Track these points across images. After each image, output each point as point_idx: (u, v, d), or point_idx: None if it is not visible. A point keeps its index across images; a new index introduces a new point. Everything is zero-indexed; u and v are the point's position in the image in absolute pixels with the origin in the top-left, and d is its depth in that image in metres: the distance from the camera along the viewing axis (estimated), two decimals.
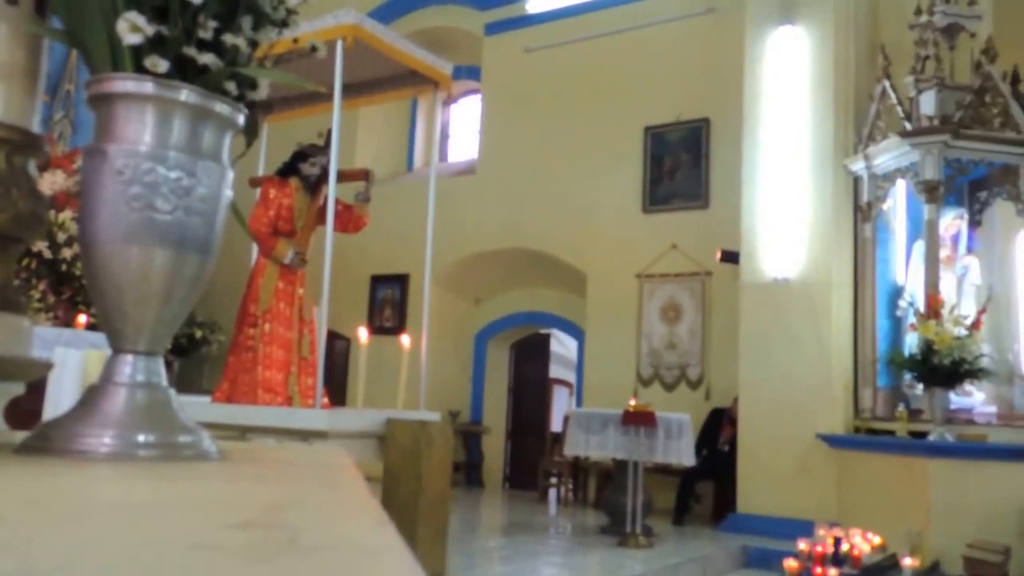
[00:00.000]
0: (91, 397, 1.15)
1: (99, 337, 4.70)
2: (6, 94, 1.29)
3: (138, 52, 1.16)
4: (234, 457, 1.24)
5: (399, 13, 12.43)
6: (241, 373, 4.91)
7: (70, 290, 8.48)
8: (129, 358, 1.18)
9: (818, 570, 5.41)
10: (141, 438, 1.10)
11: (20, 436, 1.16)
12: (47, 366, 1.28)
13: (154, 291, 1.17)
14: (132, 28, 1.13)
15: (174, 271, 1.17)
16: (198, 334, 11.41)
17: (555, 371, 13.06)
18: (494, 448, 12.16)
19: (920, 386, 7.42)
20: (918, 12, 7.96)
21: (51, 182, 8.33)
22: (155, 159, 1.15)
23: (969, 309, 7.59)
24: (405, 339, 5.05)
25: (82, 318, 6.81)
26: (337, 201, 5.10)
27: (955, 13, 7.87)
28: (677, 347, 10.13)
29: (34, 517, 0.70)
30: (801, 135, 8.56)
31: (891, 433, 7.52)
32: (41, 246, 8.01)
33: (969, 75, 7.79)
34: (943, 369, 6.93)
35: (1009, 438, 7.08)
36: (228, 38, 1.21)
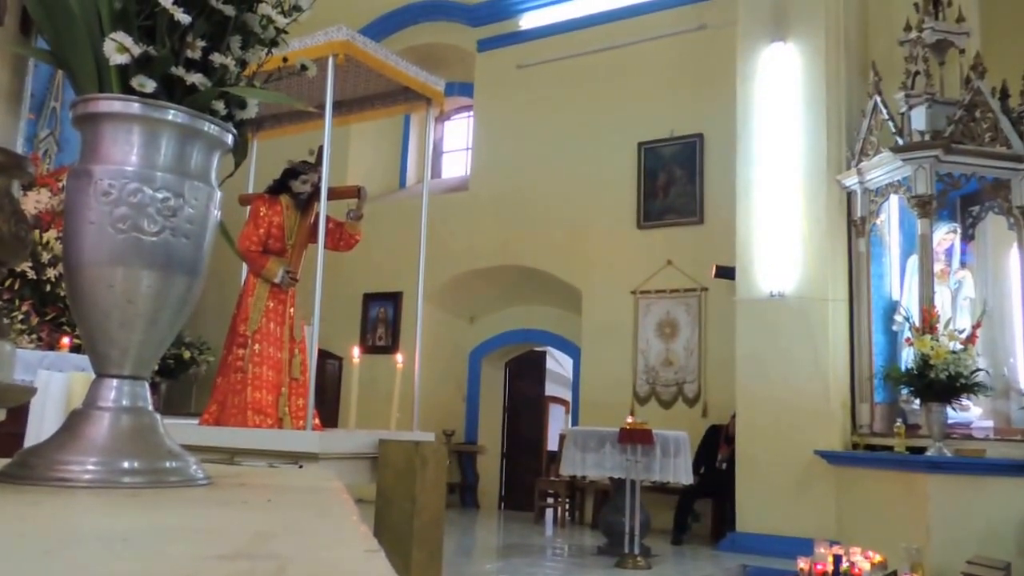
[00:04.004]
0: (74, 422, 1.13)
1: (83, 359, 4.66)
2: None
3: (125, 72, 1.14)
4: (222, 482, 1.22)
5: (391, 30, 12.49)
6: (230, 395, 4.86)
7: (54, 311, 8.41)
8: (114, 382, 1.16)
9: None
10: (125, 464, 1.08)
11: (0, 463, 1.13)
12: (29, 391, 1.26)
13: (140, 314, 1.15)
14: (119, 48, 1.12)
15: (161, 293, 1.15)
16: (186, 355, 11.35)
17: (551, 389, 13.04)
18: (489, 468, 12.11)
19: (917, 401, 7.42)
20: (907, 28, 8.04)
21: (36, 201, 8.29)
22: (142, 180, 1.13)
23: (964, 323, 7.61)
24: (398, 358, 5.02)
25: (66, 340, 6.74)
26: (329, 219, 5.08)
27: (944, 30, 7.96)
28: (674, 364, 10.12)
29: (13, 549, 0.68)
30: (794, 150, 8.60)
31: (889, 449, 7.51)
32: (25, 266, 7.94)
33: (959, 90, 7.85)
34: (939, 384, 6.93)
35: (1007, 453, 7.07)
36: (216, 58, 1.20)
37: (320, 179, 5.04)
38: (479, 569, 7.53)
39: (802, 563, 5.60)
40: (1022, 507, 6.61)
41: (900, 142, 7.69)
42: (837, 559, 5.52)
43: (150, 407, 1.18)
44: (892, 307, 8.14)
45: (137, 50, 1.12)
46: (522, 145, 11.40)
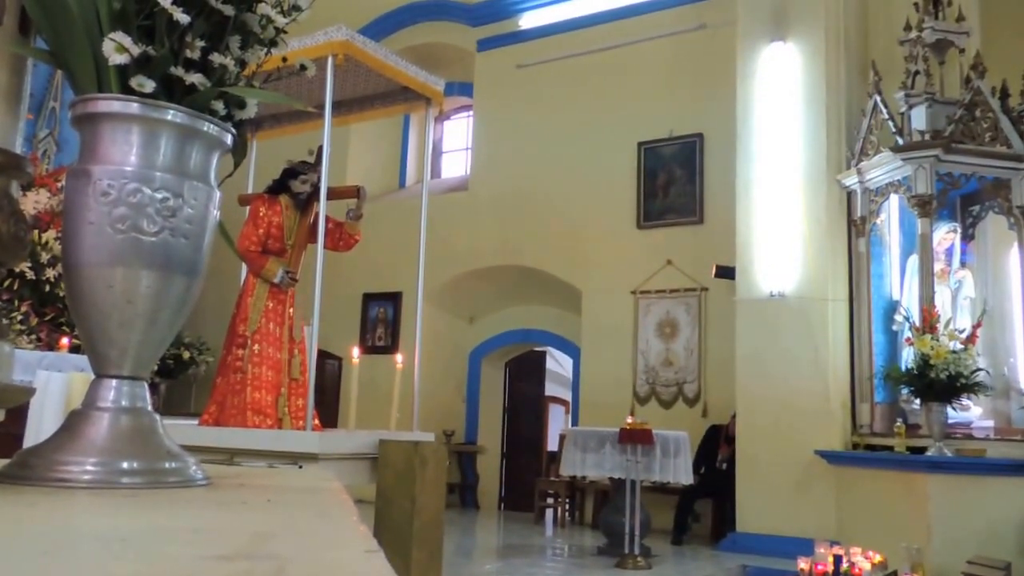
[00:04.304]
0: (73, 423, 1.13)
1: (83, 359, 4.65)
2: None
3: (124, 72, 1.14)
4: (221, 483, 1.21)
5: (390, 29, 12.48)
6: (230, 395, 4.85)
7: (53, 311, 8.39)
8: (113, 383, 1.15)
9: None
10: (125, 465, 1.08)
11: None
12: (28, 391, 1.26)
13: (139, 314, 1.15)
14: (118, 48, 1.12)
15: (160, 294, 1.15)
16: (186, 355, 11.34)
17: (550, 389, 13.03)
18: (489, 468, 12.09)
19: (917, 401, 7.41)
20: (907, 28, 8.03)
21: (35, 201, 8.28)
22: (141, 180, 1.13)
23: (964, 323, 7.60)
24: (398, 358, 5.02)
25: (65, 340, 6.73)
26: (328, 219, 5.07)
27: (944, 29, 7.95)
28: (674, 364, 10.11)
29: (11, 550, 0.68)
30: (794, 150, 8.59)
31: (889, 449, 7.50)
32: (24, 266, 7.92)
33: (959, 90, 7.83)
34: (940, 383, 6.92)
35: (1007, 452, 7.06)
36: (216, 58, 1.20)
37: (319, 179, 5.04)
38: (479, 569, 7.52)
39: (802, 563, 5.60)
40: (1022, 507, 6.60)
41: (900, 142, 7.68)
42: (837, 559, 5.51)
43: (149, 407, 1.18)
44: (892, 307, 8.14)
45: (136, 50, 1.12)
46: (522, 145, 11.40)
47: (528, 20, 11.80)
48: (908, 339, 7.49)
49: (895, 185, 7.88)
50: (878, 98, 8.03)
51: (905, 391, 7.53)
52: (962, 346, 7.04)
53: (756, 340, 8.51)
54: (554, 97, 11.25)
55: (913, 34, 7.96)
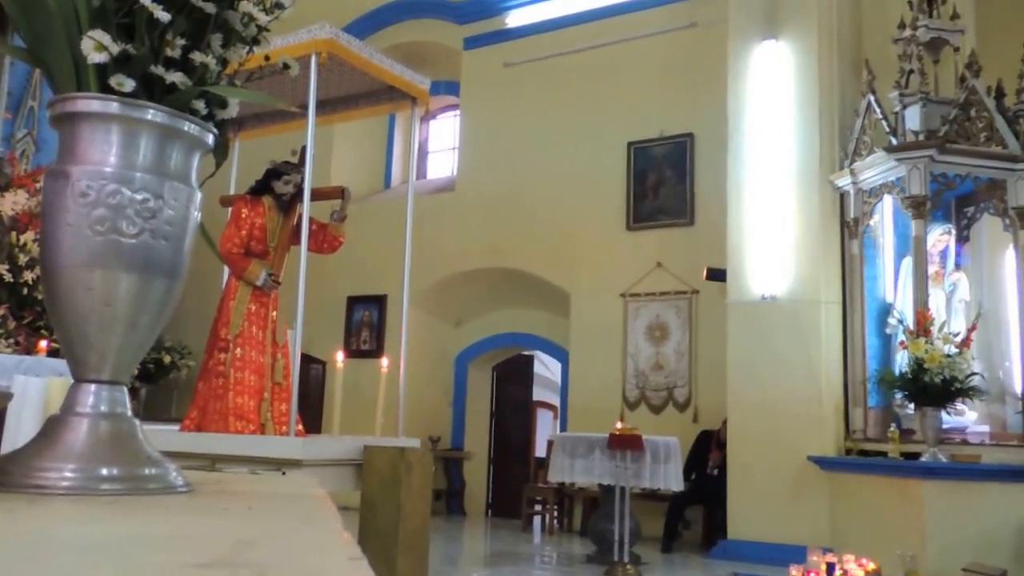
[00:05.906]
0: (51, 429, 1.11)
1: (61, 364, 4.60)
2: None
3: (103, 71, 1.12)
4: (203, 489, 1.20)
5: (375, 27, 12.46)
6: (211, 400, 4.82)
7: (31, 314, 8.34)
8: (92, 387, 1.14)
9: None
10: (104, 471, 1.06)
11: None
12: (6, 396, 1.23)
13: (119, 318, 1.13)
14: (97, 47, 1.10)
15: (140, 297, 1.14)
16: (166, 359, 11.30)
17: (539, 394, 13.00)
18: (476, 474, 12.05)
19: (911, 405, 7.38)
20: (901, 26, 8.03)
21: (12, 202, 8.24)
22: (120, 181, 1.11)
23: (959, 326, 7.60)
24: (383, 362, 4.99)
25: (43, 344, 6.69)
26: (312, 220, 5.06)
27: (938, 27, 7.94)
28: (664, 368, 10.10)
29: None
30: (786, 150, 8.58)
31: (883, 454, 7.48)
32: (1, 269, 7.89)
33: (954, 89, 7.82)
34: (934, 388, 6.89)
35: (1003, 458, 7.04)
36: (197, 56, 1.18)
37: (303, 180, 5.02)
38: None
39: (795, 571, 5.57)
40: (1018, 513, 6.57)
41: (894, 142, 7.66)
42: (830, 567, 5.49)
43: (129, 413, 1.16)
44: (886, 310, 8.13)
45: (115, 48, 1.10)
46: (509, 145, 11.38)
47: (515, 18, 11.78)
48: (902, 343, 7.48)
49: (889, 186, 7.86)
50: (872, 97, 8.02)
51: (899, 395, 7.51)
52: (957, 350, 7.03)
53: (748, 344, 8.49)
54: (542, 96, 11.23)
55: (907, 32, 7.95)
